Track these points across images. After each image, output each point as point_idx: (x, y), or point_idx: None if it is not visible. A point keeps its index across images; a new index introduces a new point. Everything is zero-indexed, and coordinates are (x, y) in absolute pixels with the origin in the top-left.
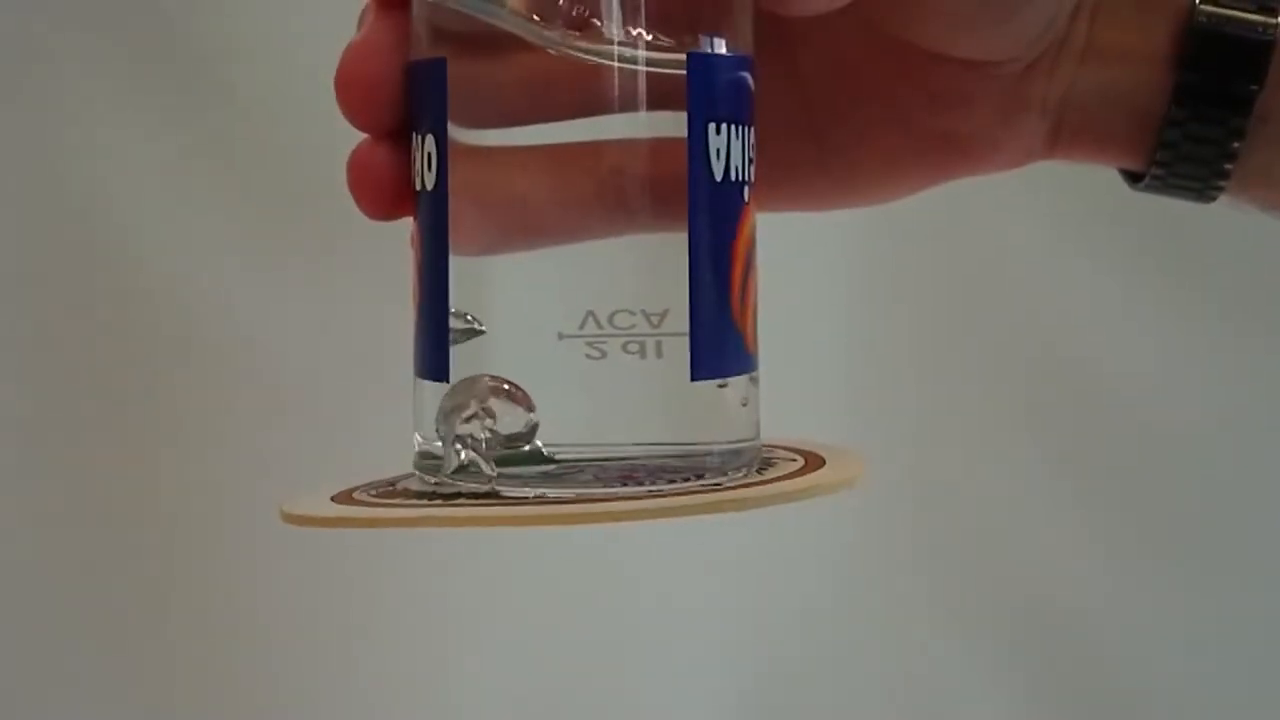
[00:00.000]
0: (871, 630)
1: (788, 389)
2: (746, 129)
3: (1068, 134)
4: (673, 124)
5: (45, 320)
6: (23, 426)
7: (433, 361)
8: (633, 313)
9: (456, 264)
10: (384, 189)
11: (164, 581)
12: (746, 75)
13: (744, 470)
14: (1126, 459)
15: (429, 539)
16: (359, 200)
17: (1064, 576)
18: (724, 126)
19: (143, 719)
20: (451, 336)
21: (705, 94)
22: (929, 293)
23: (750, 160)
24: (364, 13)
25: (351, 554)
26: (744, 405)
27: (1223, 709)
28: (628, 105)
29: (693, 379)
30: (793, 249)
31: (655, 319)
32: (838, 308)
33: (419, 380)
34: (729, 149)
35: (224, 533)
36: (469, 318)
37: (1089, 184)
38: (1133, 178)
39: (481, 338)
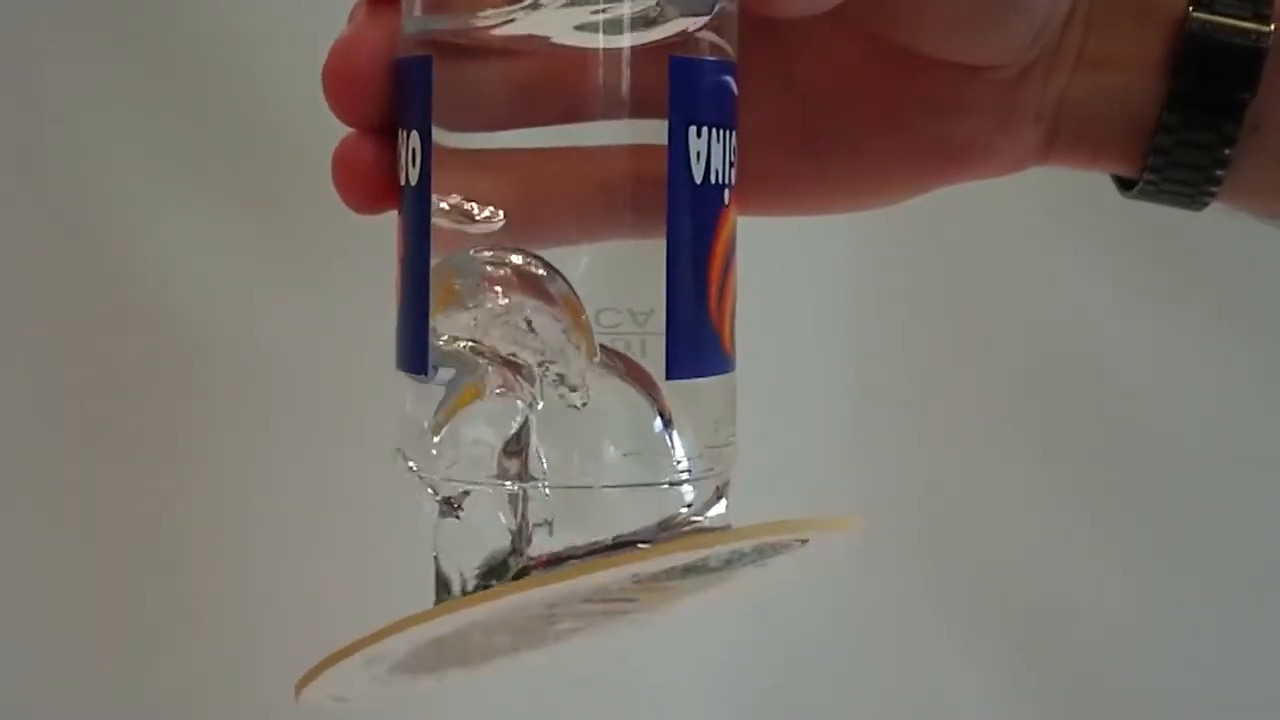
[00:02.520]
0: (878, 644)
1: (790, 396)
2: (728, 133)
3: (1062, 140)
4: (655, 131)
5: (40, 320)
6: (19, 426)
7: (413, 355)
8: (619, 311)
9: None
10: (367, 183)
11: (162, 582)
12: (729, 79)
13: (725, 469)
14: (1134, 467)
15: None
16: (342, 193)
17: (1072, 586)
18: (704, 130)
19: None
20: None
21: (686, 97)
22: (930, 298)
23: (731, 164)
24: (355, 9)
25: (352, 557)
26: (722, 405)
27: None
28: (612, 112)
29: (668, 378)
30: (792, 255)
31: (641, 317)
32: (839, 314)
33: (400, 374)
34: (709, 152)
35: (222, 533)
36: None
37: (1094, 187)
38: (1125, 185)
39: None
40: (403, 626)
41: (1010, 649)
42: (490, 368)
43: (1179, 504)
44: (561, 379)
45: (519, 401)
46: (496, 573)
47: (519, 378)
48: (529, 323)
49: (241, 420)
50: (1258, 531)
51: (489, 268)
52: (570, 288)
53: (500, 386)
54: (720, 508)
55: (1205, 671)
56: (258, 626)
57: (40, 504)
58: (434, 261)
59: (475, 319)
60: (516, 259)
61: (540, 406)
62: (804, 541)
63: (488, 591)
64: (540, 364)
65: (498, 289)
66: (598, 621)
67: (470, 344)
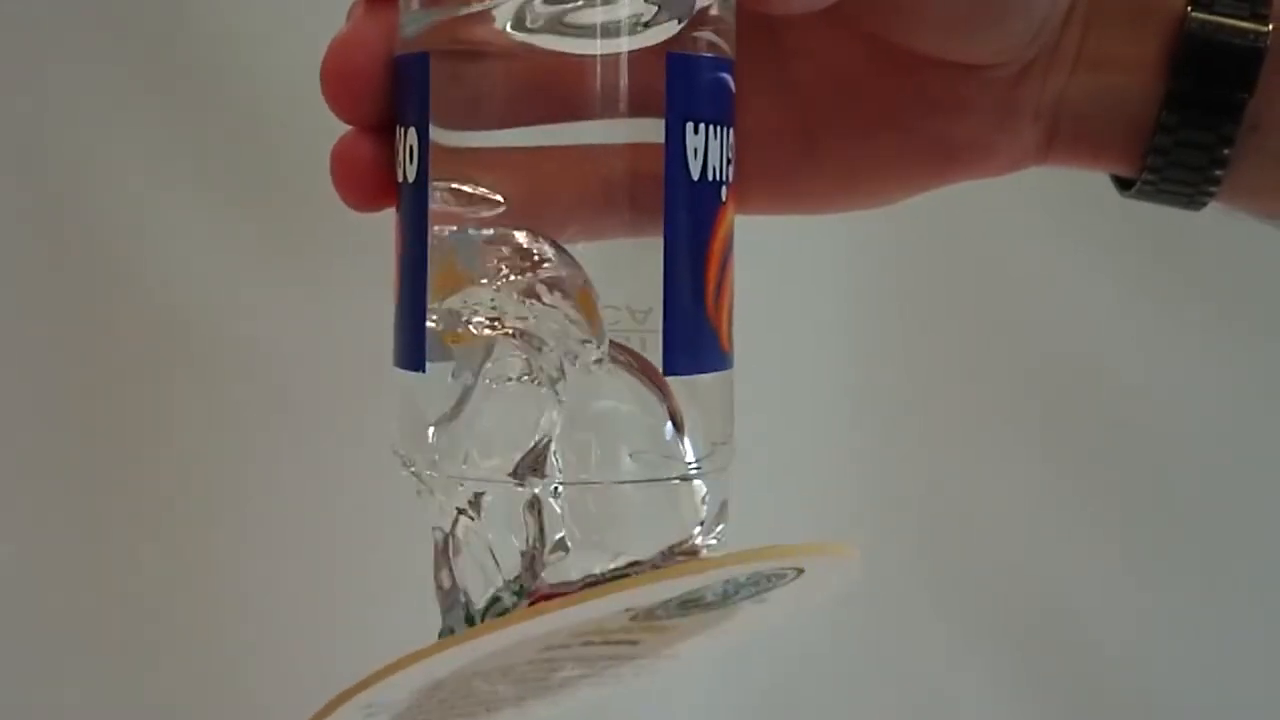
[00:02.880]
0: (878, 644)
1: (790, 396)
2: (725, 130)
3: (1061, 140)
4: (654, 129)
5: (40, 320)
6: (19, 426)
7: (410, 351)
8: (618, 309)
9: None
10: (365, 181)
11: (161, 582)
12: (726, 76)
13: (725, 466)
14: (1134, 467)
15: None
16: (340, 191)
17: (1072, 586)
18: (702, 126)
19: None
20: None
21: (684, 93)
22: (930, 298)
23: (729, 161)
24: (353, 7)
25: (353, 557)
26: (720, 402)
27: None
28: (610, 110)
29: (665, 373)
30: (792, 255)
31: (640, 315)
32: (839, 314)
33: (399, 373)
34: (706, 148)
35: (223, 533)
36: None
37: (1093, 187)
38: (1123, 184)
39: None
40: (394, 669)
41: (1010, 649)
42: (503, 352)
43: (1179, 504)
44: (577, 359)
45: (541, 388)
46: (502, 606)
47: (538, 358)
48: (541, 298)
49: (241, 420)
50: (1258, 531)
51: (491, 245)
52: (577, 264)
53: (521, 372)
54: (717, 536)
55: (1205, 671)
56: (257, 627)
57: (39, 504)
58: (431, 245)
59: (485, 298)
60: (521, 235)
61: (563, 392)
62: (800, 572)
63: (478, 628)
64: (559, 343)
65: (505, 264)
66: (601, 668)
67: (485, 322)
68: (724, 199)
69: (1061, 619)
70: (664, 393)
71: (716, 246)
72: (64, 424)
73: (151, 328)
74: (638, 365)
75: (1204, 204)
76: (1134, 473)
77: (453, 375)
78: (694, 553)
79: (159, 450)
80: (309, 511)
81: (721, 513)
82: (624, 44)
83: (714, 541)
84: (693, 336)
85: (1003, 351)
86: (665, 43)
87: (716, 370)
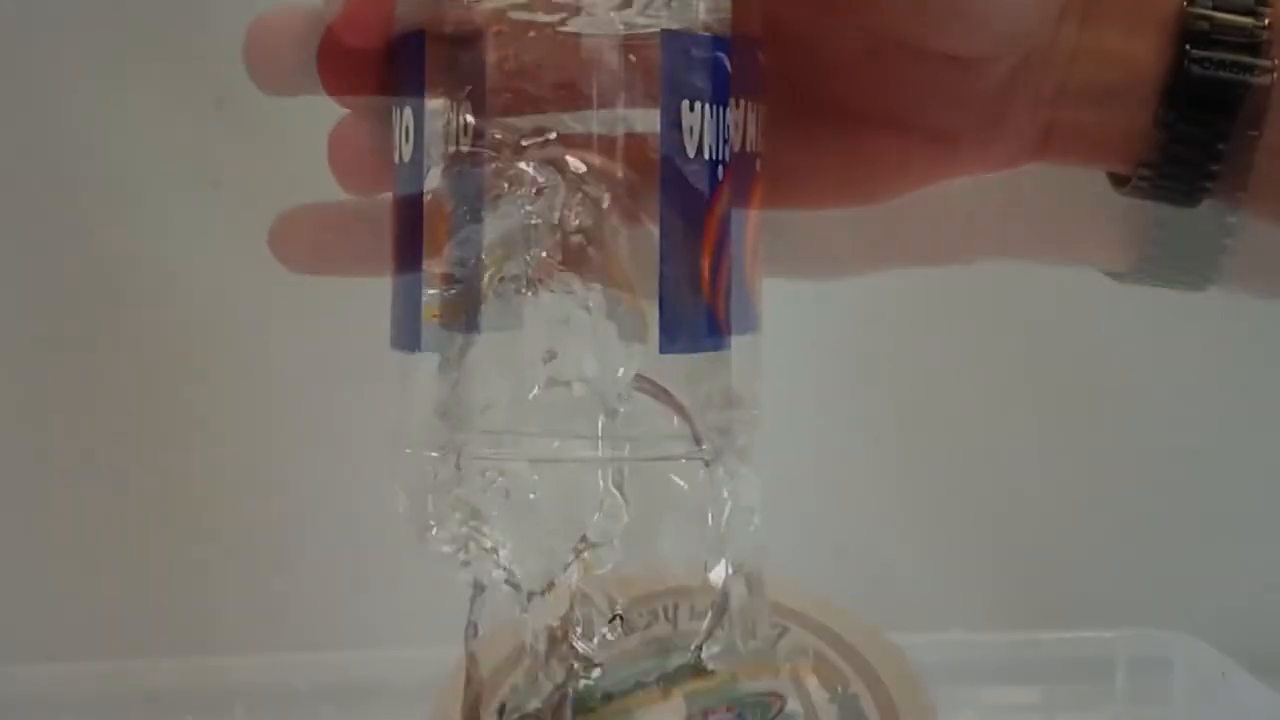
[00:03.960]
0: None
1: (789, 393)
2: (721, 109)
3: (1058, 136)
4: (652, 119)
5: (40, 319)
6: (20, 424)
7: (406, 332)
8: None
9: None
10: (363, 164)
11: (161, 580)
12: (723, 56)
13: (732, 445)
14: (1134, 464)
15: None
16: (337, 175)
17: (1072, 583)
18: (698, 105)
19: None
20: None
21: (679, 72)
22: (930, 296)
23: (725, 141)
24: None
25: (353, 556)
26: (721, 383)
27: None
28: (606, 101)
29: (661, 352)
30: None
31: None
32: (839, 310)
33: (395, 355)
34: (702, 127)
35: (222, 531)
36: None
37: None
38: (1119, 182)
39: None
40: None
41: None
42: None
43: (1179, 503)
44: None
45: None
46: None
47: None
48: (559, 169)
49: (241, 419)
50: (1259, 531)
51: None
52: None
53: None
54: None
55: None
56: (258, 625)
57: (39, 503)
58: (426, 205)
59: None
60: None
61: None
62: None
63: None
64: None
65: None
66: None
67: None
68: (720, 178)
69: (1064, 618)
70: (689, 420)
71: (712, 225)
72: (63, 423)
73: (152, 327)
74: (663, 397)
75: (1200, 201)
76: (1134, 472)
77: (450, 349)
78: (702, 671)
79: (158, 449)
80: (309, 510)
81: (723, 603)
82: (619, 26)
83: (716, 649)
84: (689, 314)
85: (1001, 350)
86: (660, 23)
87: (713, 349)
